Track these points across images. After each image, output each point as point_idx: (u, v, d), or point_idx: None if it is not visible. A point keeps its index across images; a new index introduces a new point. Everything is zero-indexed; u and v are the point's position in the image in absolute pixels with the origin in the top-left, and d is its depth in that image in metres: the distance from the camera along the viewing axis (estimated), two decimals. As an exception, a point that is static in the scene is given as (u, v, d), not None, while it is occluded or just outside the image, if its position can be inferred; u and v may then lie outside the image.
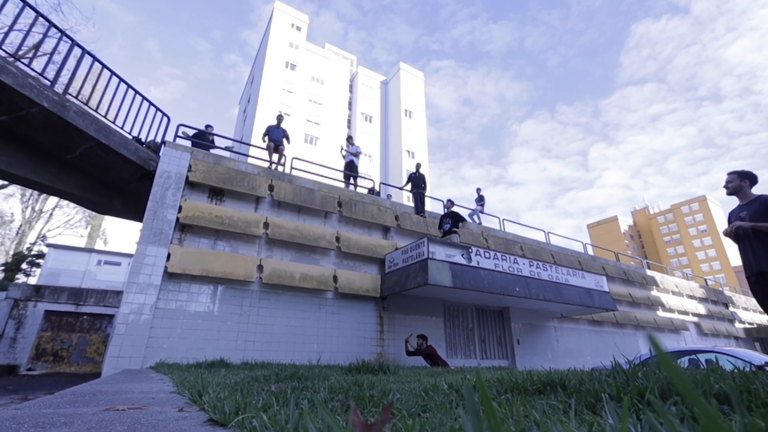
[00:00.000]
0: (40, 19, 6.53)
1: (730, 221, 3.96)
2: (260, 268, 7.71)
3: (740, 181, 3.84)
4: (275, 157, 9.74)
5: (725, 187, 3.92)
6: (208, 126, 9.74)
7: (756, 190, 3.90)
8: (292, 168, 9.83)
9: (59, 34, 6.89)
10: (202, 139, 9.35)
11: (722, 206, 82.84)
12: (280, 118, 10.33)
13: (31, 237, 27.01)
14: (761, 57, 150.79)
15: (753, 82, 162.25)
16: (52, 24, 6.78)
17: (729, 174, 3.92)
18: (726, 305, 20.46)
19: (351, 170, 11.23)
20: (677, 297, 17.51)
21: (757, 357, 6.38)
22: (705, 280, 22.05)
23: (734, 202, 4.00)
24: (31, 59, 7.17)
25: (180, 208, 7.30)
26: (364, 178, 12.07)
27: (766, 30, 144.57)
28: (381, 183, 12.37)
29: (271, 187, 8.60)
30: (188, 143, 8.77)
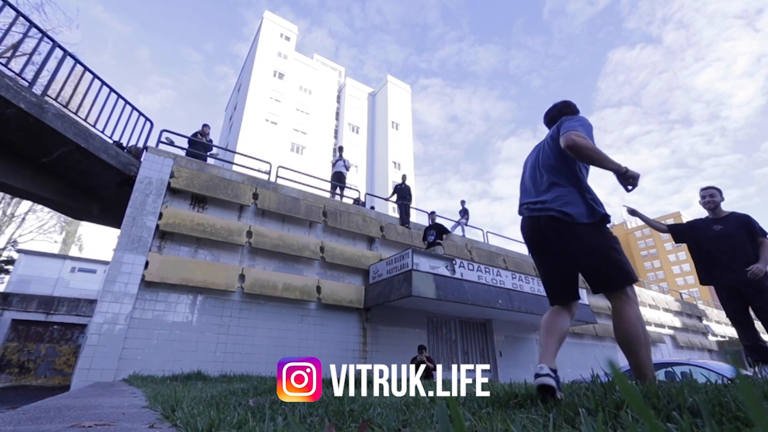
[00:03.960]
0: (21, 18, 6.38)
1: (696, 230, 4.05)
2: (242, 277, 7.56)
3: (720, 197, 4.00)
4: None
5: (709, 202, 3.95)
6: (205, 125, 9.56)
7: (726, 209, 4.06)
8: (277, 176, 9.75)
9: (40, 35, 6.73)
10: (199, 139, 9.23)
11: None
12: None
13: (1, 242, 25.85)
14: (726, 85, 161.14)
15: (719, 109, 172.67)
16: (32, 24, 6.62)
17: (708, 189, 4.00)
18: (700, 318, 21.07)
19: (339, 181, 11.21)
20: (654, 310, 17.94)
21: (729, 370, 6.55)
22: (680, 293, 22.71)
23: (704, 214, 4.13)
24: (9, 59, 6.95)
25: (160, 215, 7.13)
26: (350, 188, 12.07)
27: (731, 61, 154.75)
28: (367, 194, 12.39)
29: (255, 196, 8.50)
30: (171, 149, 8.59)
